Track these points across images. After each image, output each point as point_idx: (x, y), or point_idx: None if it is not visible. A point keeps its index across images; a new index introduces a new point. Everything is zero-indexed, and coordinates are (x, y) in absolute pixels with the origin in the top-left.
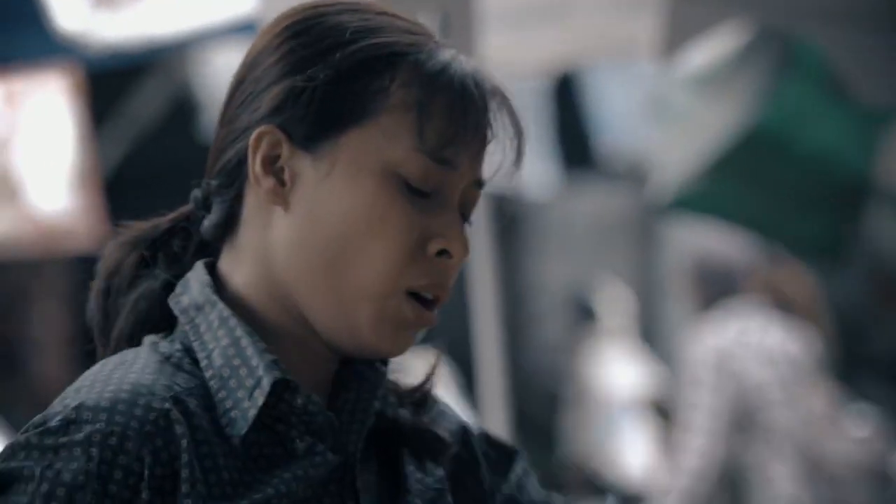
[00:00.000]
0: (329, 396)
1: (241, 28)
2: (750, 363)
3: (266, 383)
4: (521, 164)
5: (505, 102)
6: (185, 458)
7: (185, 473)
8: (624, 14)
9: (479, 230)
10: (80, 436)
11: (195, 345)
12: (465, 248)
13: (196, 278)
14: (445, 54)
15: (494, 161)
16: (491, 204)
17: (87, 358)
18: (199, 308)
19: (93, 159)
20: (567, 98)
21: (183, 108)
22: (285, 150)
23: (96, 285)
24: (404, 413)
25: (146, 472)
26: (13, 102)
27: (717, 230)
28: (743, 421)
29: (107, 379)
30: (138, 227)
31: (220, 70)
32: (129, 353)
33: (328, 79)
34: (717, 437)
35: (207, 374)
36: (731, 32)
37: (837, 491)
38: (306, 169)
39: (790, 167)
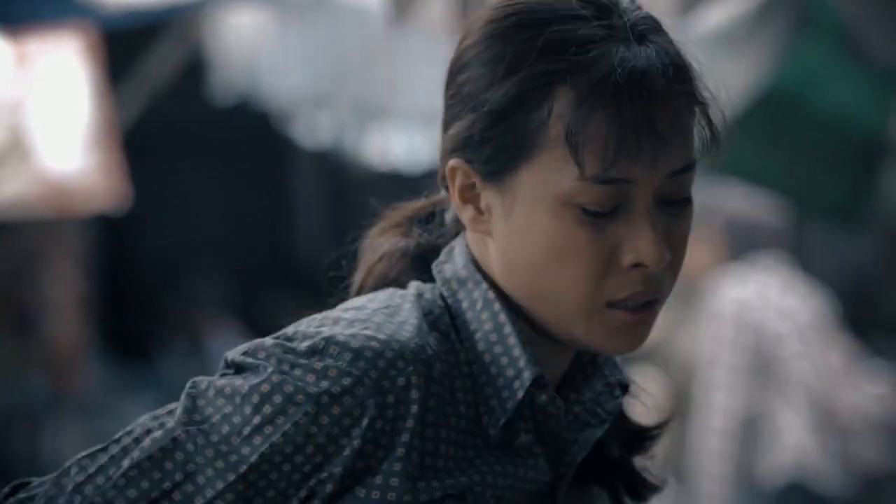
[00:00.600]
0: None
1: None
2: (770, 314)
3: (527, 377)
4: (714, 142)
5: (684, 85)
6: (410, 423)
7: (404, 437)
8: None
9: None
10: (319, 365)
11: (458, 321)
12: (660, 253)
13: (461, 251)
14: (608, 61)
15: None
16: None
17: (101, 318)
18: (461, 282)
19: (110, 119)
20: None
21: (197, 69)
22: (477, 182)
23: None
24: (619, 448)
25: (365, 421)
26: (25, 64)
27: (735, 189)
28: (760, 371)
29: (367, 319)
30: (406, 208)
31: (232, 31)
32: (395, 297)
33: (496, 116)
34: (738, 394)
35: (470, 355)
36: None
37: (849, 443)
38: (495, 202)
39: (807, 127)
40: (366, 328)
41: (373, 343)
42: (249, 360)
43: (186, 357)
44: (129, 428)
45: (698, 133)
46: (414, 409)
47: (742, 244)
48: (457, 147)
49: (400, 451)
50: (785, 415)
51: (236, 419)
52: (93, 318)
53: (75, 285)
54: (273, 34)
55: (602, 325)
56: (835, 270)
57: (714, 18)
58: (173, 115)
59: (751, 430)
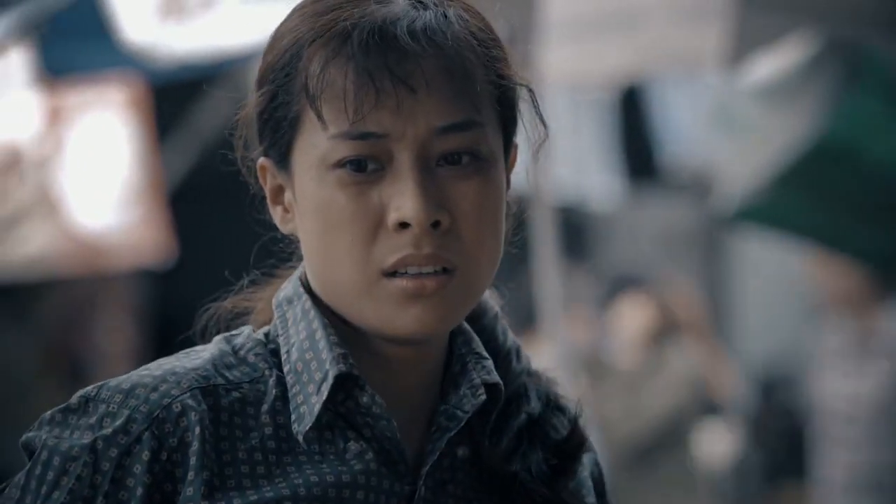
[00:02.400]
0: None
1: None
2: None
3: (331, 376)
4: (464, 100)
5: (432, 42)
6: (196, 446)
7: (192, 461)
8: (689, 25)
9: (546, 242)
10: (94, 413)
11: (280, 339)
12: (422, 209)
13: (297, 273)
14: (351, 19)
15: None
16: (556, 216)
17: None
18: (289, 301)
19: (156, 173)
20: (632, 110)
21: None
22: (279, 177)
23: None
24: (544, 474)
25: (146, 455)
26: (59, 119)
27: (783, 241)
28: None
29: (153, 365)
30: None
31: None
32: (206, 345)
33: (267, 100)
34: None
35: (285, 368)
36: (797, 43)
37: None
38: (291, 193)
39: (857, 178)
40: (145, 370)
41: (146, 380)
42: (31, 435)
43: None
44: None
45: (527, 115)
46: (196, 430)
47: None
48: (259, 140)
49: (190, 475)
50: None
51: (28, 499)
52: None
53: (127, 335)
54: None
55: (385, 299)
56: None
57: (764, 71)
58: (225, 166)
59: None
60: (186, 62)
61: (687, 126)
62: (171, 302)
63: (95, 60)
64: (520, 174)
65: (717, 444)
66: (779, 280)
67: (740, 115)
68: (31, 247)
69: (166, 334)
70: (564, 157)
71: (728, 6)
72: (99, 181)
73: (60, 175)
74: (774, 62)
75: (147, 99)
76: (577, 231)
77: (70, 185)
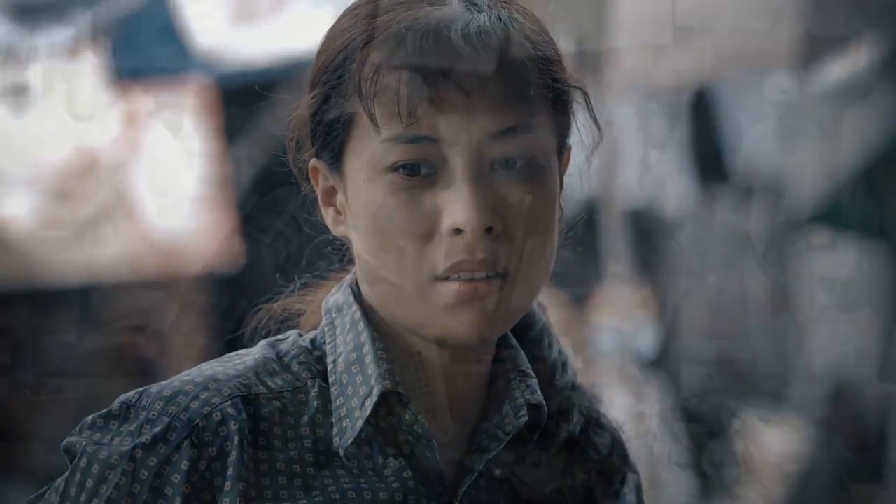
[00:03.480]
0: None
1: None
2: None
3: (376, 392)
4: (518, 103)
5: (486, 45)
6: (234, 456)
7: (230, 471)
8: (761, 27)
9: (617, 247)
10: (134, 420)
11: (328, 347)
12: (475, 215)
13: (349, 278)
14: (406, 20)
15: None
16: (627, 220)
17: None
18: (339, 308)
19: (225, 177)
20: (702, 112)
21: None
22: (331, 179)
23: None
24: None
25: (185, 464)
26: (134, 122)
27: (855, 245)
28: None
29: (194, 371)
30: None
31: None
32: (251, 349)
33: (320, 101)
34: None
35: (331, 379)
36: (868, 45)
37: None
38: (343, 195)
39: None
40: (187, 375)
41: (187, 387)
42: (72, 439)
43: None
44: None
45: (581, 118)
46: (236, 440)
47: None
48: (310, 142)
49: (227, 485)
50: None
51: None
52: None
53: (196, 341)
54: None
55: (437, 303)
56: None
57: (835, 73)
58: (277, 167)
59: None
60: (257, 66)
61: (758, 129)
62: (238, 304)
63: (166, 64)
64: (577, 178)
65: (780, 445)
66: (850, 284)
67: (812, 118)
68: (107, 250)
69: (234, 337)
70: (634, 160)
71: (800, 8)
72: (170, 185)
73: (135, 178)
74: (846, 64)
75: (217, 103)
76: (647, 235)
77: (143, 188)
